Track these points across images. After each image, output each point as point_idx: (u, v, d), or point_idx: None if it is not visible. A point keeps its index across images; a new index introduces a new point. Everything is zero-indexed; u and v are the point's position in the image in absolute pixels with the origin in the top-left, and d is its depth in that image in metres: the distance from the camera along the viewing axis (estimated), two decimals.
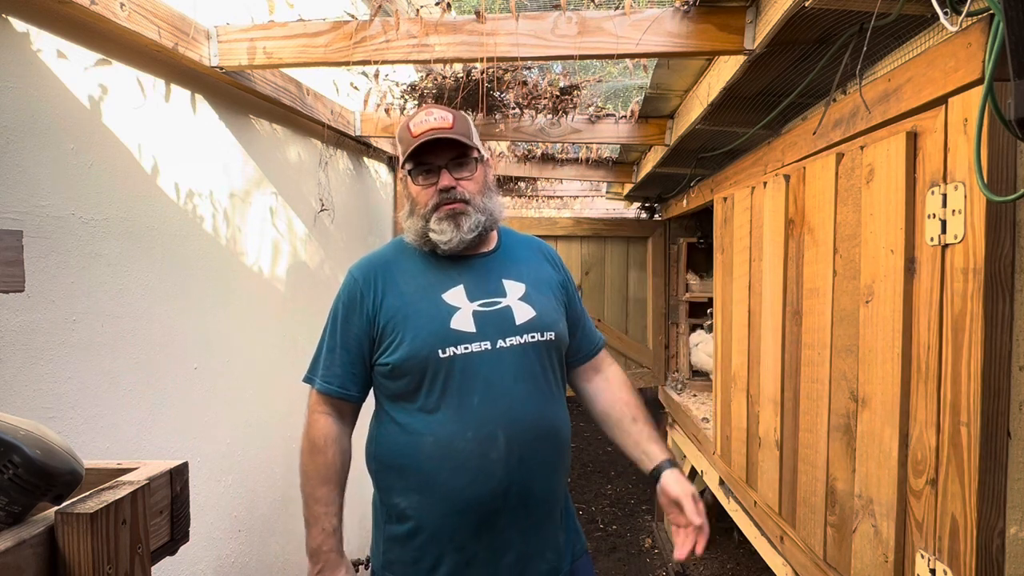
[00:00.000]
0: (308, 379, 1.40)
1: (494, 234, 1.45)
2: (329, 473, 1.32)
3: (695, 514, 1.29)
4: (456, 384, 1.28)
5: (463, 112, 1.39)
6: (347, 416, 1.38)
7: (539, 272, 1.46)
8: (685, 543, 1.29)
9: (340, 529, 1.34)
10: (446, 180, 1.31)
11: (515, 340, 1.32)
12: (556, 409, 1.38)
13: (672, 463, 1.39)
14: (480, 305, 1.34)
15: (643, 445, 1.44)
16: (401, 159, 1.36)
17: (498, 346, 1.31)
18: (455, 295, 1.34)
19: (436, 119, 1.31)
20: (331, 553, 1.30)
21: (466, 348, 1.29)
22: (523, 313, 1.35)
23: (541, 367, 1.36)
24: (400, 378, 1.30)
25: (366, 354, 1.35)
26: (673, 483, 1.34)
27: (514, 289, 1.38)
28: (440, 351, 1.28)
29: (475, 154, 1.36)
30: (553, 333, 1.37)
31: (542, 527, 1.35)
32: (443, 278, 1.36)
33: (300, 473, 1.34)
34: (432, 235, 1.33)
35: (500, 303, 1.35)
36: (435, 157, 1.32)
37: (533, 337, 1.34)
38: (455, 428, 1.27)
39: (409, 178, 1.36)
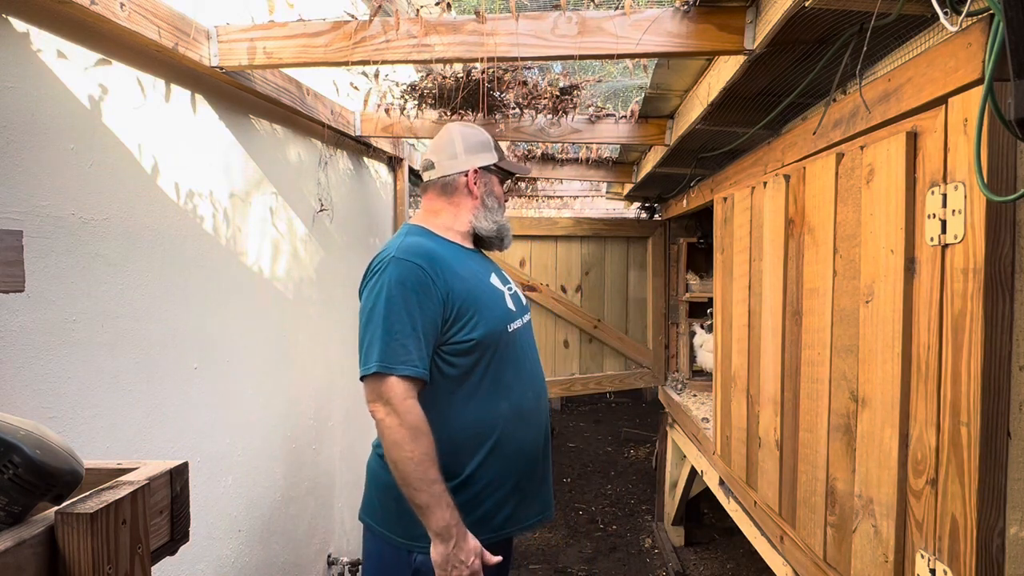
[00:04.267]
0: (387, 368, 1.36)
1: None
2: (434, 453, 1.37)
3: None
4: (513, 354, 1.54)
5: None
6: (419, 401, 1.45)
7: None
8: None
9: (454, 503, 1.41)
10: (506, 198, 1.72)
11: (527, 317, 1.68)
12: None
13: None
14: (508, 289, 1.63)
15: None
16: (489, 158, 1.66)
17: (524, 321, 1.63)
18: (496, 280, 1.62)
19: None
20: (459, 526, 1.36)
21: (517, 324, 1.58)
22: (522, 297, 1.71)
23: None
24: (474, 353, 1.46)
25: (437, 336, 1.44)
26: None
27: (510, 279, 1.72)
28: (508, 326, 1.54)
29: None
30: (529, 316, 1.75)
31: (548, 455, 1.67)
32: (481, 267, 1.62)
33: (402, 462, 1.34)
34: (502, 231, 1.66)
35: (513, 288, 1.67)
36: (509, 175, 1.73)
37: (528, 316, 1.70)
38: (521, 391, 1.54)
39: (498, 179, 1.69)
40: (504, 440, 1.50)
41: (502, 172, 1.69)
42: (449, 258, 1.51)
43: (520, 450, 1.53)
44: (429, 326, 1.40)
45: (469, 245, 1.65)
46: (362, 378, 1.40)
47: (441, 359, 1.44)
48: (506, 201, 1.65)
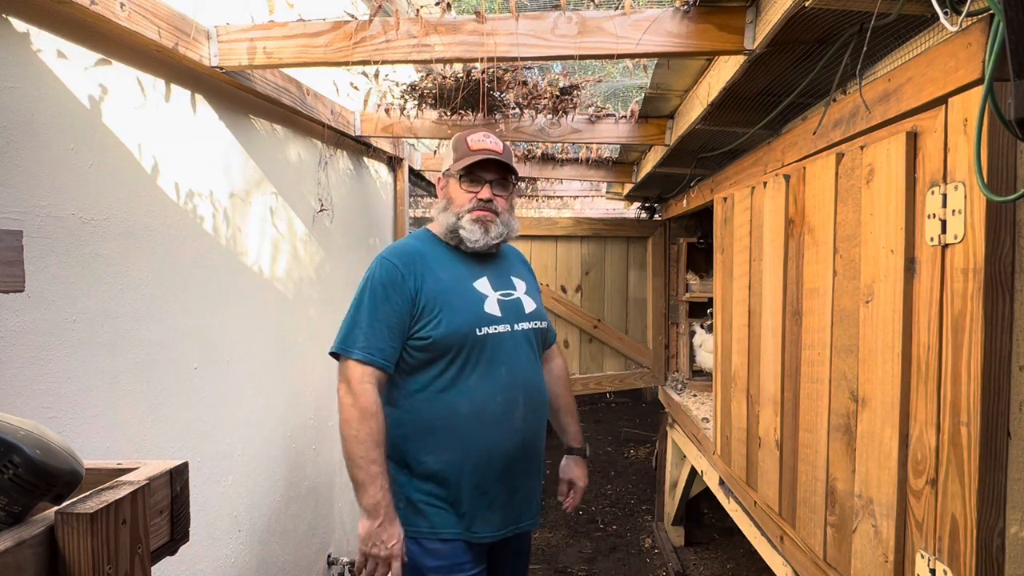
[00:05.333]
0: (343, 350, 1.52)
1: None
2: (380, 437, 1.48)
3: (577, 495, 1.90)
4: (487, 357, 1.57)
5: (506, 143, 1.73)
6: (381, 388, 1.53)
7: (527, 276, 1.82)
8: (565, 505, 1.89)
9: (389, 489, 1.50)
10: (487, 192, 1.63)
11: (526, 325, 1.68)
12: (543, 380, 1.76)
13: (580, 452, 1.92)
14: (501, 295, 1.66)
15: (563, 433, 1.94)
16: (450, 163, 1.66)
17: (514, 328, 1.64)
18: (483, 284, 1.64)
19: (491, 143, 1.65)
20: (389, 507, 1.47)
21: (495, 329, 1.59)
22: (528, 305, 1.71)
23: (536, 348, 1.73)
24: (435, 350, 1.53)
25: (404, 330, 1.54)
26: (571, 468, 1.91)
27: (519, 285, 1.73)
28: (477, 329, 1.56)
29: (513, 179, 1.70)
30: (545, 323, 1.78)
31: (535, 474, 1.70)
32: (471, 269, 1.65)
33: (349, 439, 1.47)
34: (462, 231, 1.62)
35: (513, 295, 1.69)
36: (485, 172, 1.64)
37: (534, 324, 1.71)
38: (487, 393, 1.56)
39: (454, 180, 1.65)
40: (461, 441, 1.54)
41: (461, 171, 1.65)
42: (432, 259, 1.62)
43: (483, 455, 1.55)
44: (394, 318, 1.52)
45: (470, 245, 1.64)
46: (333, 356, 1.56)
47: (405, 350, 1.56)
48: (481, 198, 1.63)
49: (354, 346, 1.51)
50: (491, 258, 1.72)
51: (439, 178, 1.72)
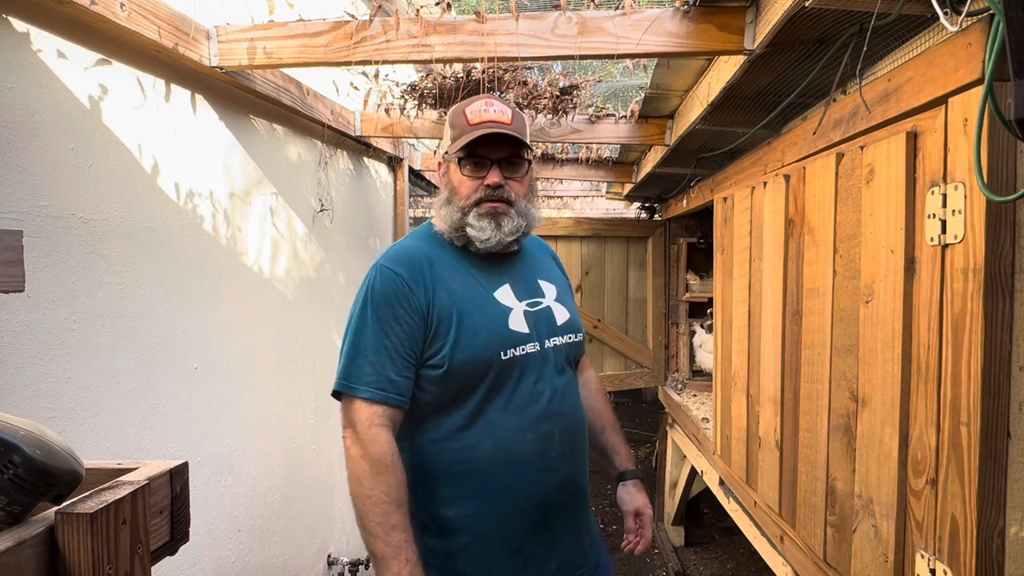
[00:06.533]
0: (346, 387, 1.20)
1: None
2: (401, 494, 1.17)
3: (645, 528, 1.46)
4: (512, 385, 1.25)
5: (518, 109, 1.32)
6: (397, 427, 1.23)
7: (555, 275, 1.45)
8: (629, 545, 1.46)
9: (420, 560, 1.17)
10: (495, 177, 1.26)
11: (558, 340, 1.33)
12: (581, 403, 1.41)
13: (635, 474, 1.50)
14: (527, 305, 1.32)
15: (610, 455, 1.54)
16: (448, 144, 1.31)
17: (545, 346, 1.31)
18: (505, 294, 1.30)
19: (496, 112, 1.27)
20: None
21: (523, 350, 1.27)
22: (561, 314, 1.36)
23: (570, 365, 1.38)
24: (450, 381, 1.22)
25: (417, 355, 1.23)
26: (632, 495, 1.48)
27: (549, 290, 1.38)
28: (502, 353, 1.24)
29: (527, 155, 1.32)
30: (581, 334, 1.40)
31: (580, 515, 1.36)
32: (488, 275, 1.31)
33: (361, 501, 1.15)
34: (469, 230, 1.27)
35: (542, 303, 1.35)
36: (489, 151, 1.27)
37: (569, 338, 1.36)
38: (515, 430, 1.24)
39: (454, 165, 1.30)
40: (490, 485, 1.23)
41: (460, 153, 1.28)
42: (442, 264, 1.29)
43: (512, 500, 1.24)
44: (405, 341, 1.21)
45: (480, 246, 1.31)
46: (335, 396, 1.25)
47: (420, 381, 1.24)
48: (493, 187, 1.26)
49: (359, 381, 1.19)
50: (511, 257, 1.36)
51: (438, 163, 1.38)
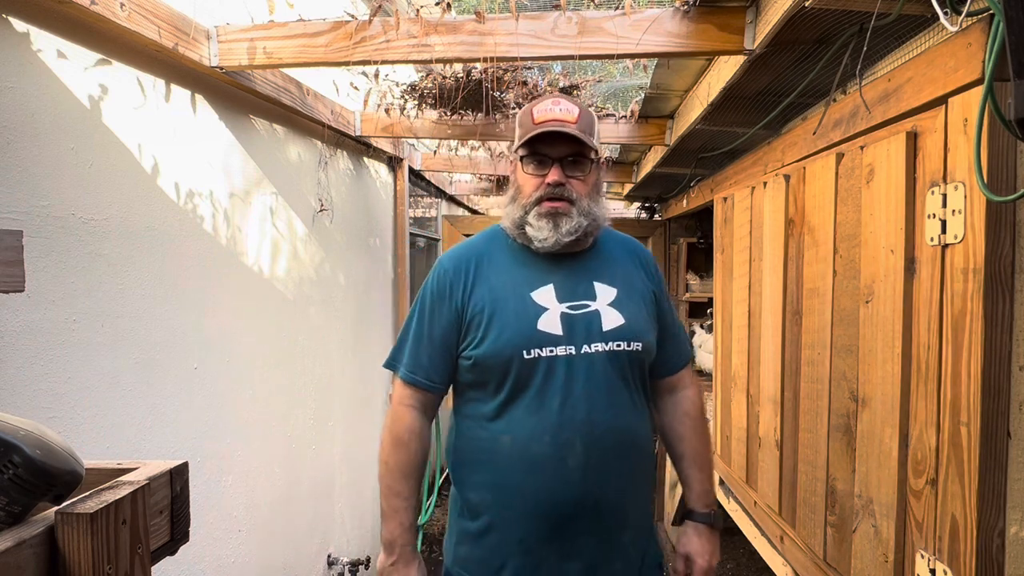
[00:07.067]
0: (391, 365, 1.38)
1: None
2: (410, 469, 1.32)
3: None
4: (537, 386, 1.26)
5: (588, 109, 1.35)
6: (430, 408, 1.36)
7: (632, 278, 1.39)
8: None
9: (416, 525, 1.34)
10: (556, 175, 1.28)
11: (600, 347, 1.29)
12: (636, 420, 1.33)
13: (704, 517, 1.40)
14: (568, 307, 1.30)
15: (683, 488, 1.46)
16: (516, 143, 1.34)
17: (583, 351, 1.27)
18: (544, 295, 1.30)
19: (561, 110, 1.28)
20: (406, 547, 1.30)
21: (551, 351, 1.26)
22: (611, 319, 1.31)
23: (623, 377, 1.31)
24: (478, 373, 1.30)
25: (452, 345, 1.33)
26: (689, 537, 1.39)
27: (605, 293, 1.33)
28: (525, 352, 1.25)
29: (592, 155, 1.32)
30: (641, 344, 1.32)
31: (613, 537, 1.30)
32: (534, 275, 1.32)
33: (380, 463, 1.32)
34: (528, 229, 1.29)
35: (589, 307, 1.31)
36: (551, 149, 1.28)
37: (619, 345, 1.30)
38: (533, 430, 1.26)
39: (520, 164, 1.33)
40: (506, 481, 1.28)
41: (524, 151, 1.32)
42: (491, 261, 1.35)
43: (525, 501, 1.26)
44: (439, 333, 1.32)
45: (537, 245, 1.32)
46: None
47: (459, 370, 1.35)
48: (549, 182, 1.28)
49: (399, 363, 1.35)
50: (574, 257, 1.35)
51: (511, 161, 1.41)
